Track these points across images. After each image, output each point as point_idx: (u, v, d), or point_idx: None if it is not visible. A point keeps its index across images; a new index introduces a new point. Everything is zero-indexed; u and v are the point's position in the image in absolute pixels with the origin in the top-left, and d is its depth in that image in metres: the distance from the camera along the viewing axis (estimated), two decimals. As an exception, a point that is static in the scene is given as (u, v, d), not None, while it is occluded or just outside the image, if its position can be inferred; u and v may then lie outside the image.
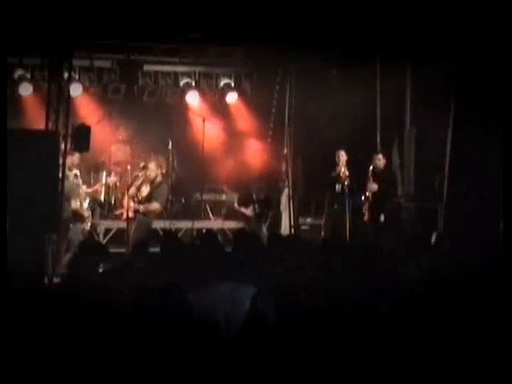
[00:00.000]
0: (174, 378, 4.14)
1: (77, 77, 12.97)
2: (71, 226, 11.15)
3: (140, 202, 11.63)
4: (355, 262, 6.53)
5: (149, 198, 11.69)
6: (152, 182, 11.84)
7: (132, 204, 11.60)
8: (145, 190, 11.80)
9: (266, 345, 4.31)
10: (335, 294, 5.04)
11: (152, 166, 11.88)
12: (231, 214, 13.59)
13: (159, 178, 12.10)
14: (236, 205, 13.04)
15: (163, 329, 4.29)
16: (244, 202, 12.93)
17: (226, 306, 5.29)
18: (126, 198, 11.85)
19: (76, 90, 12.79)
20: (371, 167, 11.96)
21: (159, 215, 12.15)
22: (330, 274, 5.96)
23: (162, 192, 12.02)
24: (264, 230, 12.72)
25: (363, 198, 11.92)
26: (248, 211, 12.86)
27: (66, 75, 11.52)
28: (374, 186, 11.89)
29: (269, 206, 12.98)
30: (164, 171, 13.24)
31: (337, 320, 4.37)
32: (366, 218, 11.95)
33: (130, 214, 11.58)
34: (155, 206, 11.69)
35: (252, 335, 4.45)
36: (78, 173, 11.51)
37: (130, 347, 4.24)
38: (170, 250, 7.29)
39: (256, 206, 12.76)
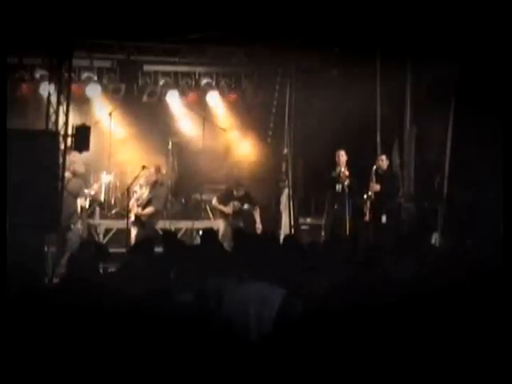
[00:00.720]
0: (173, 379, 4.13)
1: (77, 78, 12.95)
2: (72, 226, 11.13)
3: (140, 205, 11.68)
4: (355, 262, 6.54)
5: (148, 201, 11.72)
6: (152, 185, 11.87)
7: (136, 207, 11.65)
8: (145, 193, 11.84)
9: (267, 345, 4.31)
10: (335, 293, 5.04)
11: (148, 172, 11.89)
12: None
13: (159, 181, 12.13)
14: (215, 201, 12.73)
15: (165, 330, 4.28)
16: (224, 200, 12.61)
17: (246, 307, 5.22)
18: (126, 198, 11.86)
19: (76, 89, 12.79)
20: (374, 167, 11.96)
21: (156, 217, 12.12)
22: (329, 273, 5.96)
23: (159, 195, 12.04)
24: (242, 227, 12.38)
25: (365, 197, 11.92)
26: (227, 209, 12.51)
27: (65, 75, 11.51)
28: (376, 187, 11.89)
29: (249, 203, 12.56)
30: (164, 172, 13.22)
31: (336, 320, 4.37)
32: (366, 218, 11.94)
33: (133, 217, 11.62)
34: (150, 209, 11.73)
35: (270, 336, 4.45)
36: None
37: (130, 348, 4.24)
38: (169, 250, 7.29)
39: (235, 203, 12.46)
